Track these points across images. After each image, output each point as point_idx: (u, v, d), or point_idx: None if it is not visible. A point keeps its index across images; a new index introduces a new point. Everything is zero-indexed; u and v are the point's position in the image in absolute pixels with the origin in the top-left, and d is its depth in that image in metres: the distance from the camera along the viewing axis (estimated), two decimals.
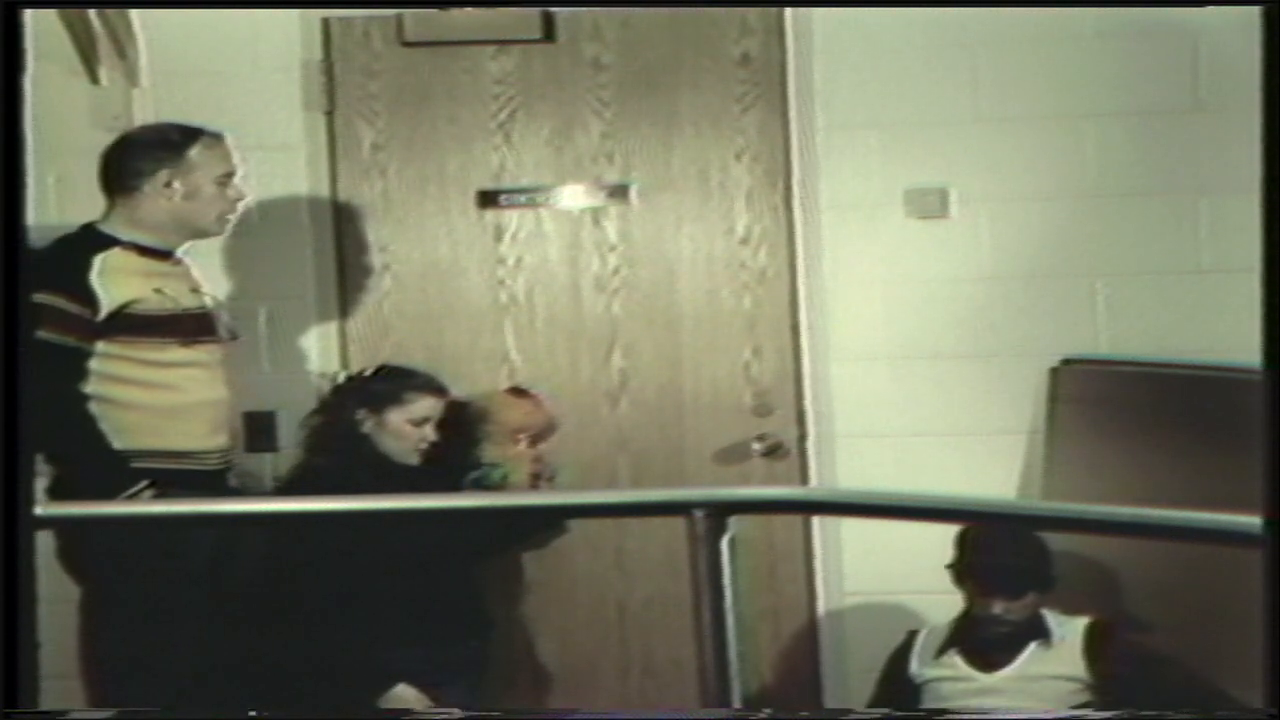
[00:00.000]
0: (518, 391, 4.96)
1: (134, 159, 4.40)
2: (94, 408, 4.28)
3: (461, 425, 4.79)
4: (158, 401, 4.33)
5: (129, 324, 4.29)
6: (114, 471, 4.24)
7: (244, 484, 4.62)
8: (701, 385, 5.12)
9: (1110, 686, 4.52)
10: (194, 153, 4.38)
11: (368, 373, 4.78)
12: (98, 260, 4.30)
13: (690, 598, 2.81)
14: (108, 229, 4.38)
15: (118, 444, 4.28)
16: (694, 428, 5.11)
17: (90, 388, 4.28)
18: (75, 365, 4.25)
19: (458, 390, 4.79)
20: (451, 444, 4.75)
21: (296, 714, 4.03)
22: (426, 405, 4.67)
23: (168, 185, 4.37)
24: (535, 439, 4.87)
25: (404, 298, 5.16)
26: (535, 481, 4.84)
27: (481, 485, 4.81)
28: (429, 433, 4.67)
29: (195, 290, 4.50)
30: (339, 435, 4.67)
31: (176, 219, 4.39)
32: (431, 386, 4.70)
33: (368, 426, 4.65)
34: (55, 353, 4.17)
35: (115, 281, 4.30)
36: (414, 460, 4.65)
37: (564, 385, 5.11)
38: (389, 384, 4.69)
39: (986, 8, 4.82)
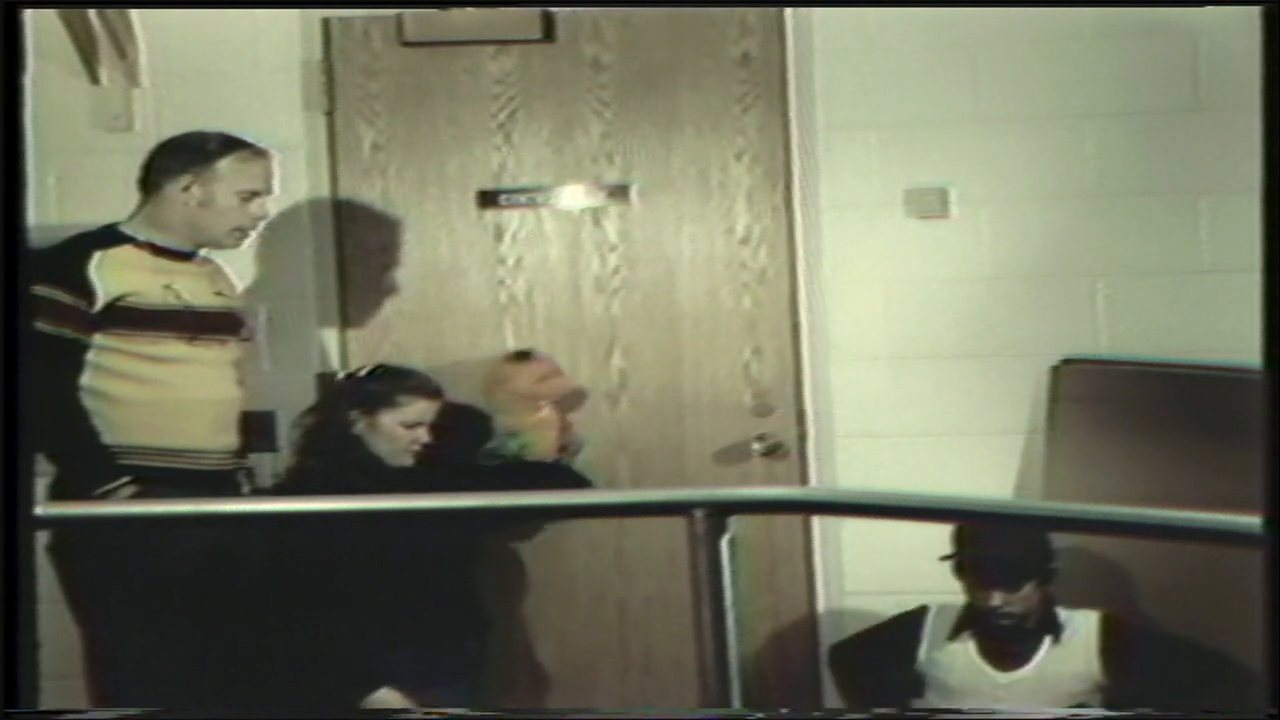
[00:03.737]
0: (521, 355, 4.94)
1: (165, 159, 4.43)
2: (87, 401, 4.27)
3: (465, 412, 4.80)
4: (152, 397, 4.32)
5: (126, 317, 4.29)
6: (100, 466, 4.23)
7: (255, 485, 4.61)
8: (701, 385, 5.12)
9: (1124, 683, 4.52)
10: (223, 164, 4.39)
11: (362, 372, 4.78)
12: (98, 254, 4.31)
13: (690, 598, 2.81)
14: (127, 229, 4.41)
15: (108, 439, 4.27)
16: (694, 428, 5.11)
17: (85, 380, 4.28)
18: (71, 357, 4.24)
19: (459, 392, 4.79)
20: (460, 425, 4.75)
21: (291, 713, 4.03)
22: (420, 408, 4.66)
23: (186, 189, 4.39)
24: (561, 406, 4.86)
25: (404, 298, 5.16)
26: (562, 452, 4.84)
27: (498, 456, 4.80)
28: (422, 435, 4.66)
29: (219, 292, 4.50)
30: (331, 436, 4.66)
31: (188, 224, 4.41)
32: (426, 389, 4.69)
33: (359, 427, 4.64)
34: (51, 344, 4.17)
35: (113, 274, 4.30)
36: (406, 461, 4.64)
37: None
38: (383, 385, 4.67)
39: (986, 8, 4.82)
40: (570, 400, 4.91)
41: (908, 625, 4.69)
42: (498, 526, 4.81)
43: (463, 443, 4.89)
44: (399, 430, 4.64)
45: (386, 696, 4.45)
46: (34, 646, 2.81)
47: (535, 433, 4.83)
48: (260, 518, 3.63)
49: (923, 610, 4.69)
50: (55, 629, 4.16)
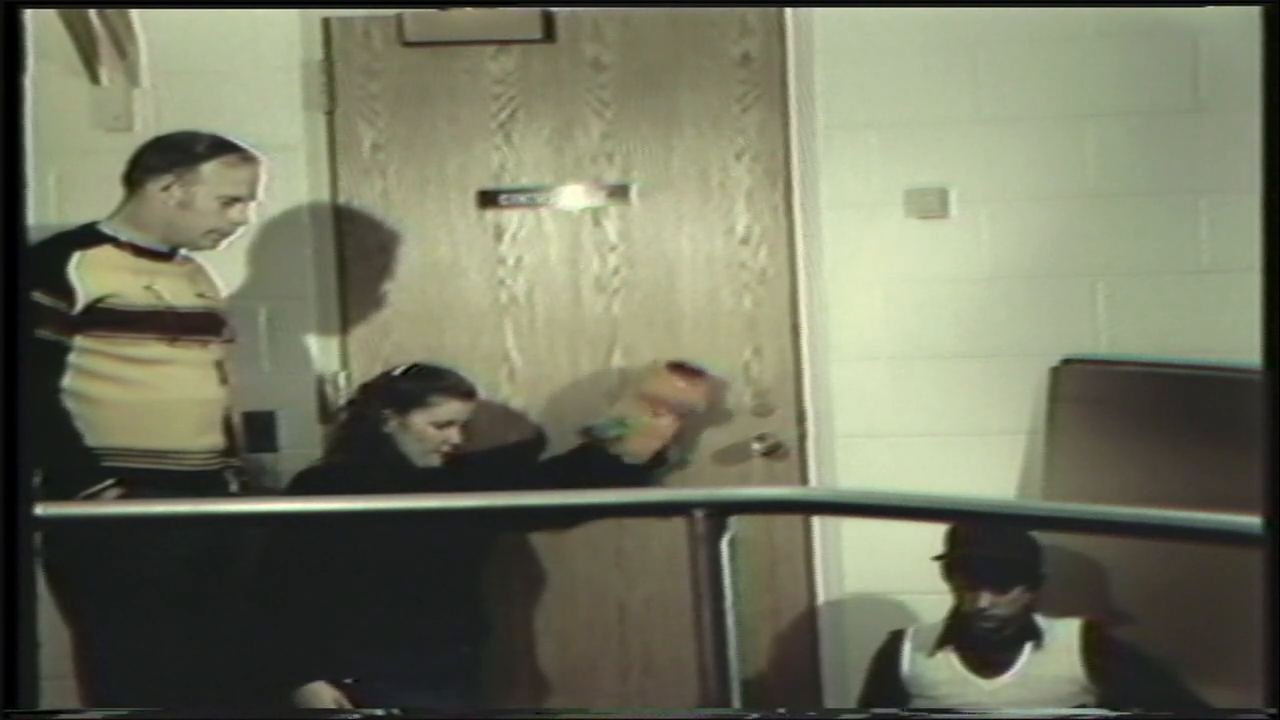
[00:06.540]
0: (682, 368, 4.90)
1: (151, 157, 4.41)
2: (68, 403, 4.25)
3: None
4: (135, 398, 4.31)
5: (107, 318, 4.27)
6: (83, 469, 4.21)
7: (247, 485, 4.59)
8: None
9: (1107, 686, 4.52)
10: (208, 167, 4.37)
11: (397, 371, 4.77)
12: (77, 254, 4.29)
13: (690, 598, 2.81)
14: (107, 227, 4.39)
15: (91, 441, 4.25)
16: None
17: (66, 383, 4.25)
18: (51, 359, 4.22)
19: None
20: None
21: (280, 713, 4.04)
22: (452, 409, 4.66)
23: (166, 189, 4.37)
24: (679, 415, 4.85)
25: (404, 298, 5.16)
26: (658, 459, 4.83)
27: (594, 434, 4.81)
28: (453, 435, 4.66)
29: (200, 292, 4.49)
30: (361, 434, 4.67)
31: (166, 224, 4.39)
32: (460, 389, 4.70)
33: (391, 426, 4.64)
34: (31, 346, 4.15)
35: (94, 275, 4.28)
36: (435, 462, 4.64)
37: (564, 385, 5.11)
38: (416, 384, 4.68)
39: (986, 8, 4.82)
40: (687, 411, 4.89)
41: (889, 655, 4.69)
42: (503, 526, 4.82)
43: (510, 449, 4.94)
44: (429, 430, 4.64)
45: (320, 691, 4.44)
46: (34, 646, 2.81)
47: (638, 430, 4.81)
48: (257, 518, 3.63)
49: (899, 634, 4.70)
50: (55, 629, 4.18)
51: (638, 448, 4.80)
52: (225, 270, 4.74)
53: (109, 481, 4.21)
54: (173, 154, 4.39)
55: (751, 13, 5.04)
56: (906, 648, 4.67)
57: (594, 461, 4.76)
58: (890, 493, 3.76)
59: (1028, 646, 4.57)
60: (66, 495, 4.08)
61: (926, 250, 5.01)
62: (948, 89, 4.99)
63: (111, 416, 4.28)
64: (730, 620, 2.78)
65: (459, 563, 4.67)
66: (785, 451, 5.09)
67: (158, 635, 4.26)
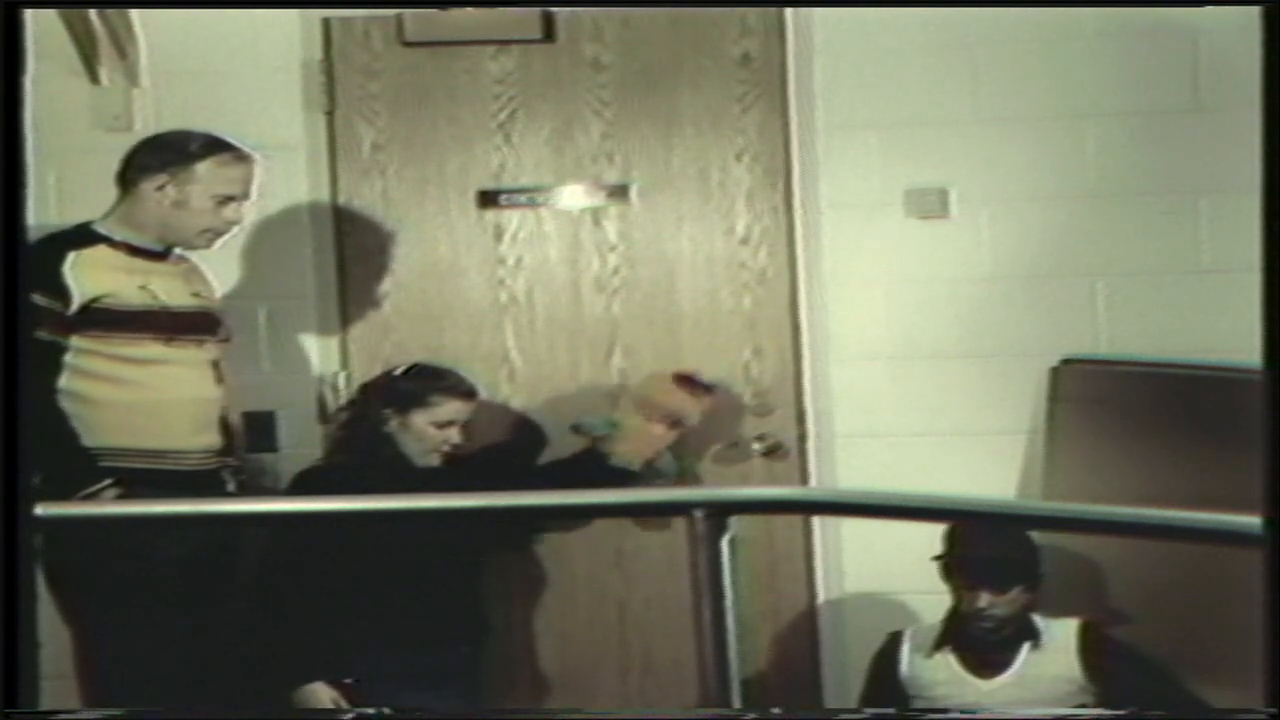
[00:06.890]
0: (687, 381, 4.89)
1: (145, 156, 4.41)
2: (64, 403, 4.25)
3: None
4: (131, 398, 4.30)
5: (102, 319, 4.27)
6: (80, 469, 4.21)
7: (244, 484, 4.59)
8: None
9: (1106, 686, 4.52)
10: (202, 166, 4.37)
11: (398, 371, 4.77)
12: (72, 254, 4.29)
13: (690, 598, 2.81)
14: (101, 227, 4.39)
15: (88, 441, 4.25)
16: (694, 427, 5.10)
17: (62, 383, 4.25)
18: (47, 360, 4.22)
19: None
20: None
21: (276, 713, 4.04)
22: (453, 409, 4.66)
23: (160, 189, 4.37)
24: (672, 424, 4.84)
25: (404, 298, 5.16)
26: (647, 466, 4.83)
27: (584, 429, 4.81)
28: (454, 435, 4.66)
29: (195, 291, 4.49)
30: (361, 434, 4.67)
31: (161, 223, 4.39)
32: (460, 389, 4.70)
33: (391, 426, 4.64)
34: (28, 347, 4.14)
35: (88, 275, 4.28)
36: (434, 462, 4.64)
37: (564, 385, 5.11)
38: (417, 384, 4.68)
39: (986, 8, 4.82)
40: (680, 420, 4.87)
41: (888, 656, 4.69)
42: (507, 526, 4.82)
43: (511, 448, 4.93)
44: (430, 430, 4.64)
45: (319, 691, 4.44)
46: (34, 646, 2.81)
47: (629, 431, 4.81)
48: (257, 518, 3.63)
49: (898, 635, 4.70)
50: (55, 629, 4.18)
51: (627, 450, 4.80)
52: (225, 270, 4.74)
53: (107, 481, 4.21)
54: (167, 153, 4.39)
55: (751, 13, 5.04)
56: (905, 648, 4.67)
57: (594, 466, 4.76)
58: (890, 493, 3.76)
59: (1025, 647, 4.58)
60: (64, 495, 4.08)
61: (926, 250, 5.01)
62: (948, 89, 4.99)
63: (108, 416, 4.28)
64: (730, 620, 2.79)
65: (459, 563, 4.67)
66: (785, 451, 5.09)
67: (158, 635, 4.26)
